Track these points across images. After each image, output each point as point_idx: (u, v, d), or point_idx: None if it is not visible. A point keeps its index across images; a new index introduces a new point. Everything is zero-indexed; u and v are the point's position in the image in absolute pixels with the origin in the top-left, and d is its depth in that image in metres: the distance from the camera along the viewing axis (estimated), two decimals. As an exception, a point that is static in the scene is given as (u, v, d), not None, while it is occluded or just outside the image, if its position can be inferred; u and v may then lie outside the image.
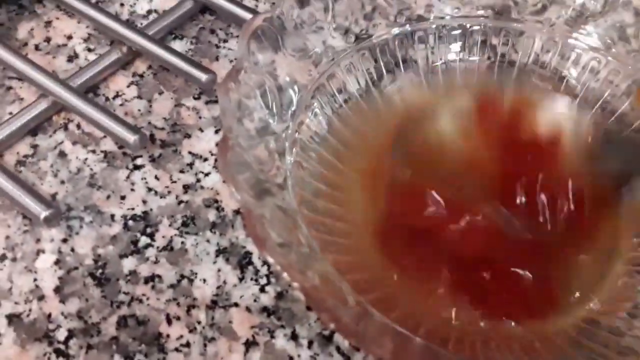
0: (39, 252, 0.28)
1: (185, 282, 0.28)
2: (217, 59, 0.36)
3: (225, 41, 0.36)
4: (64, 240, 0.29)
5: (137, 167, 0.31)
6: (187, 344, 0.26)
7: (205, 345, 0.26)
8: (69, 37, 0.36)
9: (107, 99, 0.34)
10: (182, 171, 0.31)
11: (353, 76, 0.31)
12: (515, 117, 0.31)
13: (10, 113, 0.33)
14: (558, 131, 0.30)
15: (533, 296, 0.25)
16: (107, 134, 0.32)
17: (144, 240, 0.29)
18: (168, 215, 0.29)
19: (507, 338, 0.24)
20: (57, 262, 0.28)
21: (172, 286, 0.27)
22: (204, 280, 0.28)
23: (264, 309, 0.27)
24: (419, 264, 0.25)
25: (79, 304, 0.27)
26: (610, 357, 0.23)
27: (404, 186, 0.28)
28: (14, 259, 0.28)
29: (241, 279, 0.28)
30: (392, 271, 0.25)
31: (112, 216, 0.29)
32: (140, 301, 0.27)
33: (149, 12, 0.38)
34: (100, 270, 0.28)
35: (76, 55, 0.36)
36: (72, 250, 0.28)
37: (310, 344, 0.26)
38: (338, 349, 0.26)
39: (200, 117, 0.33)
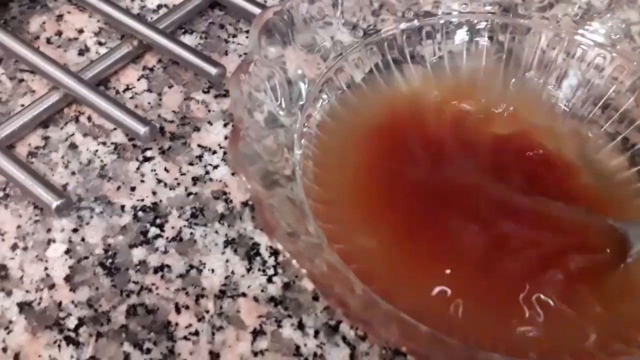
0: (50, 241, 0.29)
1: (194, 272, 0.28)
2: (226, 53, 0.36)
3: (234, 36, 0.37)
4: (75, 230, 0.29)
5: (147, 159, 0.31)
6: (196, 333, 0.26)
7: (213, 334, 0.26)
8: (80, 31, 0.37)
9: (117, 92, 0.34)
10: (191, 163, 0.31)
11: (361, 71, 0.32)
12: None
13: (22, 105, 0.33)
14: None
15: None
16: (118, 126, 0.32)
17: (153, 230, 0.29)
18: (177, 207, 0.30)
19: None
20: (67, 252, 0.28)
21: (181, 276, 0.28)
22: (213, 271, 0.28)
23: (271, 299, 0.27)
24: (423, 251, 0.25)
25: (89, 292, 0.27)
26: None
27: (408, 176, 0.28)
28: (25, 248, 0.28)
29: (249, 270, 0.28)
30: (396, 261, 0.25)
31: (122, 207, 0.30)
32: (150, 290, 0.27)
33: (159, 6, 0.38)
34: (110, 260, 0.28)
35: (87, 49, 0.36)
36: (83, 240, 0.29)
37: (316, 333, 0.26)
38: (344, 338, 0.26)
39: (209, 111, 0.33)
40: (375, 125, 0.30)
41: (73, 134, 0.32)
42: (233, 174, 0.31)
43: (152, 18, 0.37)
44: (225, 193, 0.30)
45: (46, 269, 0.28)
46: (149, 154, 0.32)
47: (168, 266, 0.28)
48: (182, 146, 0.32)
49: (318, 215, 0.26)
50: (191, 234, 0.29)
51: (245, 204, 0.30)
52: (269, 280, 0.28)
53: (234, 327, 0.26)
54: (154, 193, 0.30)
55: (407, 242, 0.26)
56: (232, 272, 0.28)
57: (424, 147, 0.29)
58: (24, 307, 0.27)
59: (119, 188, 0.30)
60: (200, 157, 0.32)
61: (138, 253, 0.28)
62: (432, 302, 0.24)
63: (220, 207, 0.30)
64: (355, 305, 0.21)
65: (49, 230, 0.29)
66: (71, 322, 0.26)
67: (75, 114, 0.33)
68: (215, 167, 0.31)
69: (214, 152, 0.32)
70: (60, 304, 0.27)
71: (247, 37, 0.37)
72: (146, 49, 0.36)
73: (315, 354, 0.26)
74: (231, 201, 0.30)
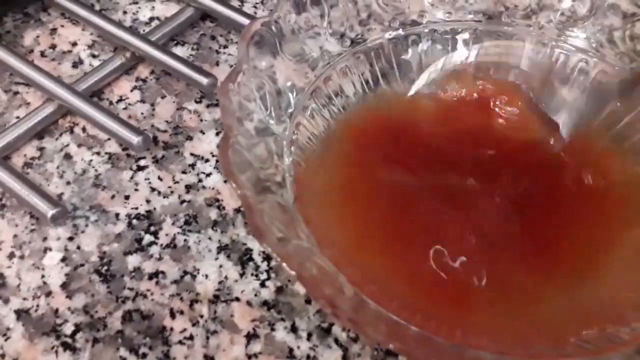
0: (46, 249, 0.29)
1: (188, 277, 0.28)
2: (217, 64, 0.37)
3: (225, 47, 0.38)
4: (70, 239, 0.30)
5: (140, 168, 0.32)
6: (191, 337, 0.27)
7: (207, 338, 0.27)
8: (74, 44, 0.38)
9: (111, 103, 0.35)
10: (184, 172, 0.32)
11: (348, 79, 0.32)
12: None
13: (18, 117, 0.34)
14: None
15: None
16: (112, 136, 0.33)
17: (147, 238, 0.30)
18: (171, 214, 0.30)
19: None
20: (63, 260, 0.29)
21: (175, 282, 0.28)
22: (206, 276, 0.28)
23: (264, 303, 0.28)
24: (411, 253, 0.26)
25: (85, 299, 0.28)
26: None
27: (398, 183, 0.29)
28: (22, 257, 0.29)
29: (242, 275, 0.29)
30: (387, 266, 0.26)
31: (117, 215, 0.30)
32: (145, 296, 0.28)
33: (151, 19, 0.39)
34: (105, 267, 0.29)
35: (81, 61, 0.37)
36: (78, 248, 0.29)
37: (309, 336, 0.27)
38: (336, 340, 0.27)
39: (201, 120, 0.34)
40: (363, 131, 0.30)
41: (68, 145, 0.33)
42: (225, 182, 0.32)
43: (144, 30, 0.38)
44: (218, 200, 0.31)
45: (43, 276, 0.28)
46: (142, 163, 0.32)
47: (162, 272, 0.29)
48: (175, 155, 0.33)
49: (308, 220, 0.26)
50: (185, 240, 0.30)
51: (237, 210, 0.31)
52: (262, 284, 0.28)
53: (228, 331, 0.27)
54: (148, 201, 0.31)
55: (397, 246, 0.26)
56: (226, 277, 0.28)
57: (413, 152, 0.29)
58: (21, 314, 0.27)
59: (113, 197, 0.31)
60: (193, 165, 0.32)
61: (133, 260, 0.29)
62: (424, 303, 0.24)
63: (213, 214, 0.31)
64: (345, 306, 0.22)
65: (45, 239, 0.30)
66: (68, 328, 0.27)
67: (69, 125, 0.34)
68: (208, 175, 0.32)
69: (207, 161, 0.32)
70: (57, 310, 0.27)
71: (237, 48, 0.37)
72: (139, 61, 0.36)
73: (308, 356, 0.26)
74: (224, 208, 0.31)
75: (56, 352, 0.26)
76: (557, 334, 0.23)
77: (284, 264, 0.21)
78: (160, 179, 0.32)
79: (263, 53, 0.29)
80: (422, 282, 0.25)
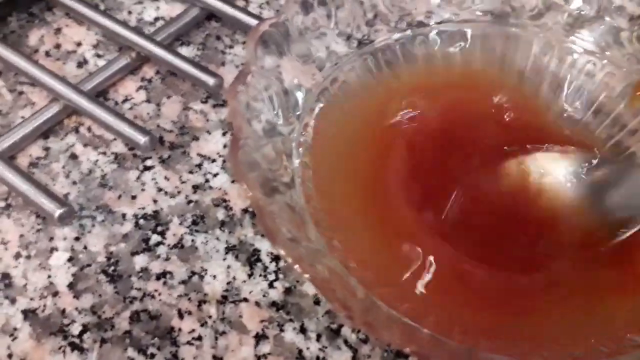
0: (53, 249, 0.29)
1: (195, 278, 0.28)
2: (223, 64, 0.37)
3: (231, 47, 0.37)
4: (77, 239, 0.29)
5: (147, 168, 0.32)
6: (199, 338, 0.27)
7: (216, 339, 0.27)
8: (79, 44, 0.37)
9: (116, 103, 0.35)
10: (191, 172, 0.32)
11: (356, 78, 0.32)
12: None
13: (23, 117, 0.34)
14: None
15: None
16: (118, 136, 0.32)
17: (155, 238, 0.29)
18: (178, 214, 0.30)
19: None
20: (70, 260, 0.29)
21: (183, 282, 0.28)
22: (214, 277, 0.28)
23: (273, 304, 0.28)
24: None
25: (93, 299, 0.28)
26: None
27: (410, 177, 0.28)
28: (28, 257, 0.29)
29: (250, 275, 0.28)
30: (400, 264, 0.25)
31: (124, 215, 0.30)
32: (152, 297, 0.28)
33: (156, 19, 0.39)
34: (112, 267, 0.29)
35: (85, 61, 0.37)
36: (85, 248, 0.29)
37: (318, 337, 0.27)
38: (346, 341, 0.27)
39: (207, 120, 0.34)
40: (372, 131, 0.30)
41: (73, 145, 0.33)
42: (233, 182, 0.31)
43: (149, 30, 0.38)
44: (225, 200, 0.31)
45: (49, 276, 0.28)
46: (149, 163, 0.32)
47: (170, 273, 0.28)
48: (181, 155, 0.32)
49: (317, 221, 0.26)
50: (192, 240, 0.29)
51: (245, 210, 0.30)
52: (270, 285, 0.28)
53: (236, 331, 0.27)
54: (155, 201, 0.31)
55: (407, 247, 0.26)
56: (234, 278, 0.28)
57: (422, 150, 0.29)
58: (28, 314, 0.27)
59: (119, 197, 0.31)
60: (199, 165, 0.32)
61: (140, 260, 0.29)
62: (435, 304, 0.24)
63: (220, 214, 0.30)
64: (357, 309, 0.22)
65: (51, 239, 0.29)
66: (75, 329, 0.27)
67: (75, 125, 0.34)
68: (215, 175, 0.32)
69: (213, 161, 0.32)
70: (64, 310, 0.27)
71: (243, 48, 0.37)
72: (144, 61, 0.36)
73: (317, 358, 0.26)
74: (231, 208, 0.31)
75: (64, 352, 0.26)
76: (571, 340, 0.23)
77: (297, 267, 0.21)
78: (166, 179, 0.32)
79: (270, 53, 0.29)
80: (435, 285, 0.25)
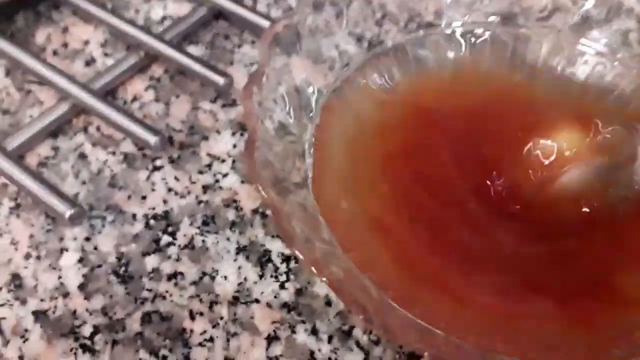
0: (63, 250, 0.29)
1: (207, 279, 0.28)
2: (231, 63, 0.36)
3: (239, 46, 0.37)
4: (87, 239, 0.29)
5: (156, 168, 0.32)
6: (211, 339, 0.27)
7: (228, 340, 0.27)
8: (86, 42, 0.37)
9: (125, 102, 0.34)
10: (201, 172, 0.32)
11: (366, 80, 0.32)
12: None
13: (31, 116, 0.33)
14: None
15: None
16: (128, 135, 0.32)
17: (165, 238, 0.29)
18: (188, 215, 0.30)
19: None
20: (80, 260, 0.29)
21: (194, 283, 0.28)
22: (225, 277, 0.28)
23: (284, 305, 0.28)
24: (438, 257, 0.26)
25: (103, 300, 0.28)
26: None
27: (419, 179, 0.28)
28: (38, 257, 0.29)
29: (261, 276, 0.28)
30: (414, 267, 0.25)
31: (134, 215, 0.30)
32: (164, 298, 0.28)
33: (164, 18, 0.39)
34: (123, 268, 0.28)
35: (93, 60, 0.36)
36: (95, 248, 0.29)
37: (330, 338, 0.27)
38: (357, 343, 0.27)
39: (217, 120, 0.34)
40: (384, 133, 0.30)
41: (82, 144, 0.33)
42: (242, 182, 0.31)
43: (156, 29, 0.38)
44: (235, 201, 0.31)
45: (60, 277, 0.28)
46: (158, 163, 0.32)
47: (181, 273, 0.28)
48: (191, 155, 0.32)
49: (330, 222, 0.26)
50: (203, 241, 0.29)
51: (255, 211, 0.30)
52: (282, 286, 0.28)
53: (248, 333, 0.27)
54: (165, 201, 0.31)
55: (419, 251, 0.26)
56: (245, 279, 0.28)
57: (436, 152, 0.29)
58: (39, 315, 0.27)
59: (129, 197, 0.31)
60: (209, 165, 0.32)
61: (151, 261, 0.29)
62: (447, 305, 0.24)
63: (231, 214, 0.30)
64: (373, 311, 0.22)
65: (61, 239, 0.29)
66: (86, 330, 0.27)
67: (84, 124, 0.33)
68: (225, 175, 0.32)
69: (223, 161, 0.32)
70: (74, 312, 0.27)
71: (252, 48, 0.37)
72: (152, 60, 0.36)
73: (329, 359, 0.26)
74: (241, 209, 0.30)
75: (75, 354, 0.26)
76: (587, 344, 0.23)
77: (314, 269, 0.21)
78: (176, 179, 0.31)
79: (282, 53, 0.29)
80: (448, 289, 0.25)
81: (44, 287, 0.28)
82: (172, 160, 0.32)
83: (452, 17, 0.34)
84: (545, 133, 0.29)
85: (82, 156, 0.32)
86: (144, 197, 0.31)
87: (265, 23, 0.37)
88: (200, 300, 0.28)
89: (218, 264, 0.29)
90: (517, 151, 0.30)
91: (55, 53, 0.37)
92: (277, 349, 0.26)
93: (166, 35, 0.37)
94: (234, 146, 0.33)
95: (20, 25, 0.38)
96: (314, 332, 0.27)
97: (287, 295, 0.28)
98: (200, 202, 0.31)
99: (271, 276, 0.28)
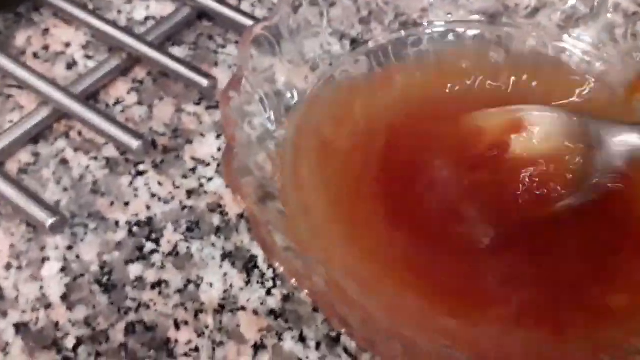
0: (44, 260, 0.28)
1: (192, 286, 0.28)
2: (216, 64, 0.36)
3: (223, 47, 0.37)
4: (69, 248, 0.29)
5: (139, 173, 0.31)
6: (196, 349, 0.26)
7: (214, 350, 0.26)
8: (67, 45, 0.37)
9: (107, 105, 0.34)
10: (185, 176, 0.31)
11: (349, 81, 0.32)
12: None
13: (11, 121, 0.33)
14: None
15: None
16: (110, 140, 0.32)
17: (149, 245, 0.29)
18: (172, 221, 0.30)
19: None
20: (62, 270, 0.28)
21: (179, 291, 0.28)
22: (211, 285, 0.28)
23: (271, 312, 0.27)
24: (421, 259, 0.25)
25: (86, 311, 0.27)
26: None
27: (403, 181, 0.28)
28: (19, 268, 0.28)
29: (247, 283, 0.28)
30: (396, 274, 0.25)
31: (117, 222, 0.30)
32: (148, 307, 0.27)
33: (147, 18, 0.38)
34: (106, 277, 0.28)
35: (75, 63, 0.36)
36: (78, 257, 0.29)
37: (318, 345, 0.26)
38: (345, 349, 0.26)
39: (201, 122, 0.33)
40: (365, 135, 0.30)
41: (64, 150, 0.32)
42: (228, 186, 0.31)
43: (139, 30, 0.37)
44: (220, 206, 0.30)
45: (41, 288, 0.28)
46: (141, 167, 0.31)
47: (165, 282, 0.28)
48: (175, 159, 0.32)
49: (310, 228, 0.26)
50: (187, 248, 0.29)
51: (241, 216, 0.30)
52: (268, 292, 0.28)
53: (234, 341, 0.26)
54: (148, 207, 0.30)
55: (401, 260, 0.26)
56: (231, 286, 0.28)
57: (416, 156, 0.29)
58: (20, 328, 0.27)
59: (112, 203, 0.30)
60: (194, 169, 0.32)
61: (134, 269, 0.28)
62: (435, 317, 0.24)
63: (216, 219, 0.30)
64: (355, 322, 0.21)
65: (42, 249, 0.29)
66: (69, 342, 0.26)
67: (65, 129, 0.33)
68: (210, 179, 0.31)
69: (208, 165, 0.32)
70: (57, 323, 0.27)
71: (237, 48, 0.37)
72: (135, 62, 0.36)
73: (316, 366, 0.26)
74: (227, 214, 0.30)
75: (58, 366, 0.26)
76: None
77: (294, 281, 0.21)
78: (160, 184, 0.31)
79: (262, 55, 0.28)
80: (434, 296, 0.24)
81: (25, 298, 0.27)
82: (155, 165, 0.32)
83: (437, 15, 0.34)
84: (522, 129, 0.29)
85: (64, 162, 0.32)
86: (126, 204, 0.30)
87: (249, 23, 0.36)
88: (185, 309, 0.27)
89: (203, 271, 0.28)
90: (496, 149, 0.30)
91: (35, 56, 0.36)
92: (264, 358, 0.26)
93: (149, 36, 0.36)
94: (219, 149, 0.32)
95: (0, 27, 0.37)
96: (302, 339, 0.27)
97: (273, 302, 0.27)
98: (184, 207, 0.30)
99: (257, 282, 0.28)
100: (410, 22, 0.33)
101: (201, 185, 0.31)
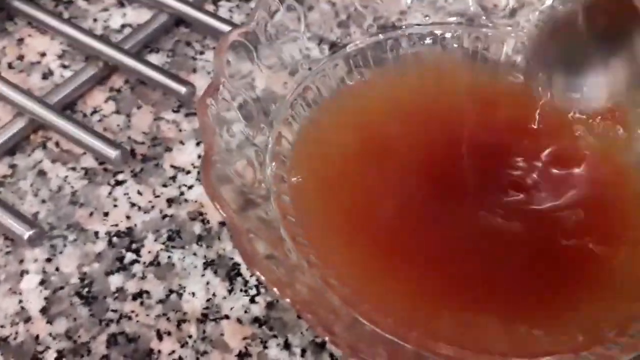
0: (23, 273, 0.28)
1: (174, 296, 0.28)
2: (194, 71, 0.36)
3: (201, 53, 0.37)
4: (48, 260, 0.28)
5: (119, 183, 0.31)
6: (180, 359, 0.26)
7: (197, 359, 0.26)
8: (43, 54, 0.36)
9: (84, 115, 0.34)
10: (165, 185, 0.31)
11: (328, 86, 0.32)
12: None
13: (-14, 133, 0.32)
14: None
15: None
16: (88, 150, 0.31)
17: (129, 256, 0.29)
18: (153, 230, 0.29)
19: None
20: (42, 283, 0.28)
21: (161, 301, 0.27)
22: (193, 294, 0.28)
23: (255, 320, 0.27)
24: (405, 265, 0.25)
25: (67, 323, 0.27)
26: None
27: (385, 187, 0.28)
28: (-3, 281, 0.28)
29: (230, 291, 0.28)
30: (381, 279, 0.25)
31: (96, 233, 0.29)
32: (130, 318, 0.27)
33: (123, 26, 0.38)
34: (86, 289, 0.28)
35: (51, 72, 0.35)
36: (57, 269, 0.28)
37: (303, 352, 0.26)
38: (331, 356, 0.26)
39: (180, 130, 0.33)
40: (348, 140, 0.30)
41: (41, 161, 0.32)
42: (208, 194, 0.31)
43: (116, 38, 0.37)
44: (201, 214, 0.30)
45: (21, 301, 0.27)
46: (120, 177, 0.31)
47: (147, 292, 0.28)
48: (154, 168, 0.32)
49: (293, 236, 0.26)
50: (169, 257, 0.29)
51: (222, 223, 0.30)
52: (252, 300, 0.27)
53: (218, 351, 0.26)
54: (128, 217, 0.30)
55: (387, 262, 0.26)
56: (214, 295, 0.28)
57: (401, 160, 0.29)
58: (-1, 343, 0.26)
59: (91, 214, 0.30)
60: (174, 178, 0.31)
61: (115, 280, 0.28)
62: (418, 318, 0.24)
63: (197, 228, 0.30)
64: (340, 329, 0.21)
65: (21, 262, 0.28)
66: (50, 356, 0.26)
67: (42, 140, 0.32)
68: (190, 187, 0.31)
69: (188, 172, 0.31)
70: (37, 337, 0.26)
71: (214, 60, 0.36)
72: (112, 70, 0.35)
73: (302, 373, 0.26)
74: (208, 221, 0.30)
75: (39, 381, 0.25)
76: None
77: (276, 290, 0.21)
78: (140, 193, 0.31)
79: (239, 61, 0.28)
80: (421, 299, 0.24)
81: (4, 313, 0.27)
82: (134, 174, 0.31)
83: (416, 17, 0.34)
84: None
85: (41, 173, 0.31)
86: (106, 214, 0.30)
87: (227, 28, 0.36)
88: (168, 319, 0.27)
89: (185, 280, 0.28)
90: (484, 149, 0.30)
91: (10, 66, 0.36)
92: (248, 366, 0.26)
93: (126, 44, 0.36)
94: (199, 156, 0.32)
95: (-27, 38, 0.37)
96: (287, 346, 0.26)
97: (257, 310, 0.27)
98: (164, 216, 0.30)
99: (241, 290, 0.28)
100: (388, 25, 0.33)
101: (182, 194, 0.31)
